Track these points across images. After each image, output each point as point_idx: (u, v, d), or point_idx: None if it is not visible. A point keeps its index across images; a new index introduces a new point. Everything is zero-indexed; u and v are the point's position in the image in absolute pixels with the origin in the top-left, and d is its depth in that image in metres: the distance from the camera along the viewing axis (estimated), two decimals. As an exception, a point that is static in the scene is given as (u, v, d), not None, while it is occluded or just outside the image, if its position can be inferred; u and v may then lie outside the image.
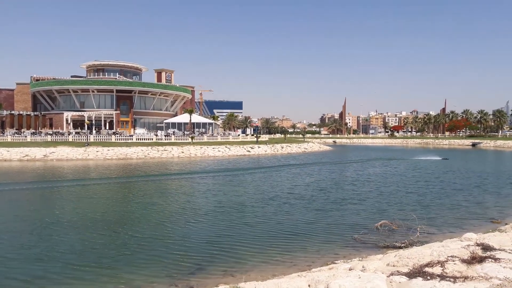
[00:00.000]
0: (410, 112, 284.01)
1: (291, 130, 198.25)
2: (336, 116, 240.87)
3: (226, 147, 61.89)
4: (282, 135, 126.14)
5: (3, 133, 65.66)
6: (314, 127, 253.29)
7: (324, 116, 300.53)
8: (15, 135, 63.84)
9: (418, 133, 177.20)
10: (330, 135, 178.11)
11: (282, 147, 69.82)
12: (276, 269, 10.06)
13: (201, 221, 15.63)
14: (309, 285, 6.86)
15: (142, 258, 11.08)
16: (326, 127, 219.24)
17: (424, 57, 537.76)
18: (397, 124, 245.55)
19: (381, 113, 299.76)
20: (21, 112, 76.86)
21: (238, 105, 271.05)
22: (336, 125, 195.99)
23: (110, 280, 9.53)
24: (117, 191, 24.77)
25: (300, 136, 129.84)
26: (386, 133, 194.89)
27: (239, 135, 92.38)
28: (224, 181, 28.94)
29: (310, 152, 71.18)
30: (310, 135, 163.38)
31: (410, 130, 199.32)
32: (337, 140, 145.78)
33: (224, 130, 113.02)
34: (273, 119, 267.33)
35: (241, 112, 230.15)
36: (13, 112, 75.96)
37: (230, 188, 25.26)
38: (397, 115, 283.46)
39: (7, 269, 10.29)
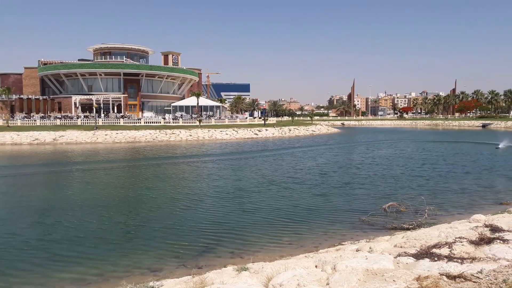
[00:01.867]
0: (420, 93, 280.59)
1: (298, 112, 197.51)
2: (345, 98, 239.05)
3: (233, 130, 61.89)
4: (290, 118, 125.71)
5: (13, 117, 66.29)
6: (322, 109, 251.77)
7: (332, 98, 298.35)
8: (25, 119, 64.47)
9: (427, 115, 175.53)
10: (339, 117, 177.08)
11: (290, 130, 69.65)
12: (283, 250, 10.15)
13: (209, 204, 15.75)
14: (316, 266, 6.91)
15: (151, 240, 11.24)
16: (334, 109, 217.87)
17: (434, 37, 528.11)
18: (406, 105, 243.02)
19: (390, 95, 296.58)
20: (30, 96, 77.40)
21: (245, 87, 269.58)
22: (345, 107, 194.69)
23: (120, 261, 9.70)
24: (127, 174, 25.00)
25: (308, 118, 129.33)
26: (395, 115, 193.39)
27: (246, 118, 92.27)
28: (231, 164, 29.03)
29: (318, 135, 70.93)
30: (318, 117, 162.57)
31: (419, 111, 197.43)
32: (346, 122, 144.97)
33: (232, 113, 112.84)
34: (281, 101, 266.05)
35: (249, 95, 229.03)
36: (22, 96, 76.56)
37: (237, 171, 25.35)
38: (406, 96, 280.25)
39: (23, 249, 10.51)
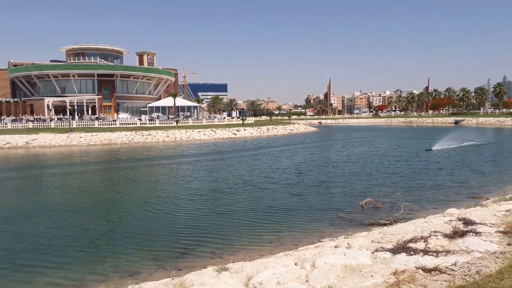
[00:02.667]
0: (394, 92, 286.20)
1: (276, 112, 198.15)
2: (321, 97, 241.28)
3: (211, 130, 61.63)
4: (268, 117, 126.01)
5: (-18, 121, 63.98)
6: (299, 108, 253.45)
7: (309, 97, 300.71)
8: (-5, 122, 62.29)
9: (402, 112, 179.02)
10: (316, 116, 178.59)
11: (268, 129, 69.87)
12: (263, 249, 10.17)
13: (187, 206, 15.63)
14: (296, 263, 6.95)
15: (128, 243, 11.06)
16: (312, 108, 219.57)
17: (408, 36, 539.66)
18: (381, 103, 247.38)
19: (365, 93, 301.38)
20: (0, 99, 74.91)
21: (223, 87, 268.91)
22: (321, 106, 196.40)
23: (97, 266, 9.50)
24: (101, 178, 24.53)
25: (286, 118, 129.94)
26: (371, 113, 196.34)
27: (224, 118, 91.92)
28: (209, 164, 28.90)
29: (296, 134, 71.43)
30: (295, 116, 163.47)
31: (394, 109, 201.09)
32: (323, 121, 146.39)
33: (210, 113, 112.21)
34: (259, 101, 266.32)
35: (226, 95, 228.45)
36: (-9, 99, 73.99)
37: (215, 172, 25.26)
38: (381, 95, 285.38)
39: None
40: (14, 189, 20.95)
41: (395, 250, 6.88)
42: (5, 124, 60.63)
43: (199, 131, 59.75)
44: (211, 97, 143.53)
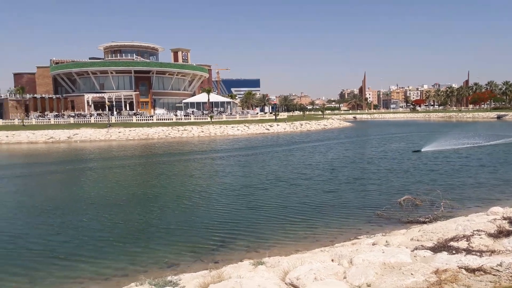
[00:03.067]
0: (432, 86, 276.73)
1: (310, 107, 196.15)
2: (356, 91, 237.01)
3: (245, 125, 61.96)
4: (301, 112, 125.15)
5: (28, 116, 67.27)
6: (333, 103, 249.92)
7: (344, 92, 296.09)
8: (39, 118, 65.35)
9: (440, 107, 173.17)
10: (350, 111, 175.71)
11: (301, 125, 69.45)
12: (298, 245, 10.16)
13: (221, 200, 15.84)
14: (332, 260, 6.91)
15: (167, 236, 11.36)
16: (346, 103, 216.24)
17: (445, 28, 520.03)
18: (418, 98, 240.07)
19: (402, 87, 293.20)
20: (43, 95, 78.42)
21: (255, 83, 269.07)
22: (356, 101, 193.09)
23: (138, 257, 9.83)
24: (140, 172, 25.23)
25: (320, 113, 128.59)
26: (408, 108, 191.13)
27: (257, 113, 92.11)
28: (242, 160, 29.09)
29: (330, 129, 70.61)
30: (329, 111, 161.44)
31: (432, 104, 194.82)
32: (357, 116, 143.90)
33: (243, 109, 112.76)
34: (292, 96, 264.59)
35: (259, 90, 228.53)
36: (35, 95, 77.58)
37: (248, 167, 25.40)
38: (419, 89, 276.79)
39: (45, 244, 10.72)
40: (57, 182, 21.93)
41: (436, 249, 6.71)
42: (48, 119, 63.45)
43: (232, 127, 60.24)
44: (244, 92, 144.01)
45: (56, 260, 9.82)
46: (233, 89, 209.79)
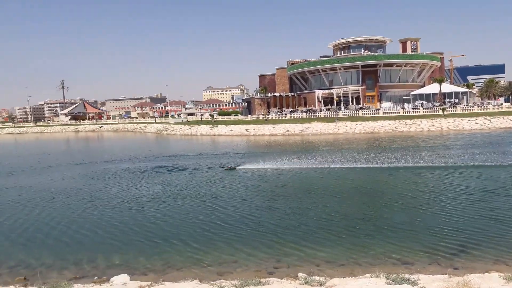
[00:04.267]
0: None
1: None
2: None
3: (485, 118, 54.40)
4: None
5: (269, 113, 77.56)
6: None
7: None
8: (278, 113, 74.42)
9: None
10: None
11: None
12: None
13: (457, 203, 14.72)
14: None
15: (401, 233, 11.53)
16: None
17: None
18: None
19: None
20: (281, 94, 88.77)
21: (498, 69, 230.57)
22: None
23: (370, 249, 10.40)
24: (366, 165, 25.35)
25: None
26: None
27: (501, 104, 79.13)
28: (478, 159, 25.49)
29: None
30: None
31: None
32: None
33: (482, 99, 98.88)
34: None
35: (503, 77, 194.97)
36: (275, 94, 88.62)
37: (489, 168, 22.22)
38: None
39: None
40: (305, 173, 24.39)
41: None
42: (285, 115, 71.53)
43: (469, 120, 53.88)
44: (484, 80, 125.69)
45: (293, 242, 11.26)
46: (469, 78, 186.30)
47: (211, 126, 67.26)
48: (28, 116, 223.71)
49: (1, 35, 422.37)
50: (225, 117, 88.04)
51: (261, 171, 23.84)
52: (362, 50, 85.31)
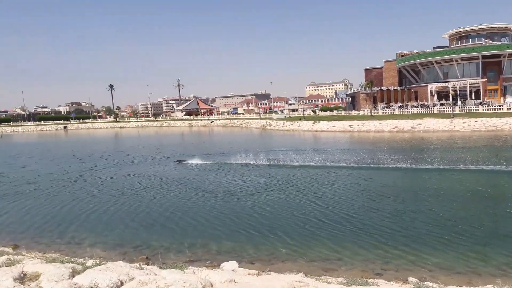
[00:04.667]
0: None
1: None
2: None
3: None
4: None
5: (375, 108, 74.50)
6: None
7: None
8: (385, 109, 71.09)
9: None
10: None
11: None
12: None
13: None
14: None
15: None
16: None
17: None
18: None
19: None
20: (389, 88, 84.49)
21: None
22: None
23: (489, 258, 9.57)
24: (480, 167, 23.01)
25: None
26: None
27: None
28: None
29: None
30: None
31: None
32: None
33: None
34: None
35: None
36: (382, 88, 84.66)
37: None
38: None
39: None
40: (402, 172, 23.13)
41: None
42: (393, 110, 68.02)
43: None
44: None
45: (402, 244, 10.76)
46: None
47: (313, 121, 67.04)
48: (148, 111, 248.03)
49: (131, 43, 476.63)
50: (328, 113, 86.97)
51: (365, 169, 23.10)
52: (483, 39, 76.82)
